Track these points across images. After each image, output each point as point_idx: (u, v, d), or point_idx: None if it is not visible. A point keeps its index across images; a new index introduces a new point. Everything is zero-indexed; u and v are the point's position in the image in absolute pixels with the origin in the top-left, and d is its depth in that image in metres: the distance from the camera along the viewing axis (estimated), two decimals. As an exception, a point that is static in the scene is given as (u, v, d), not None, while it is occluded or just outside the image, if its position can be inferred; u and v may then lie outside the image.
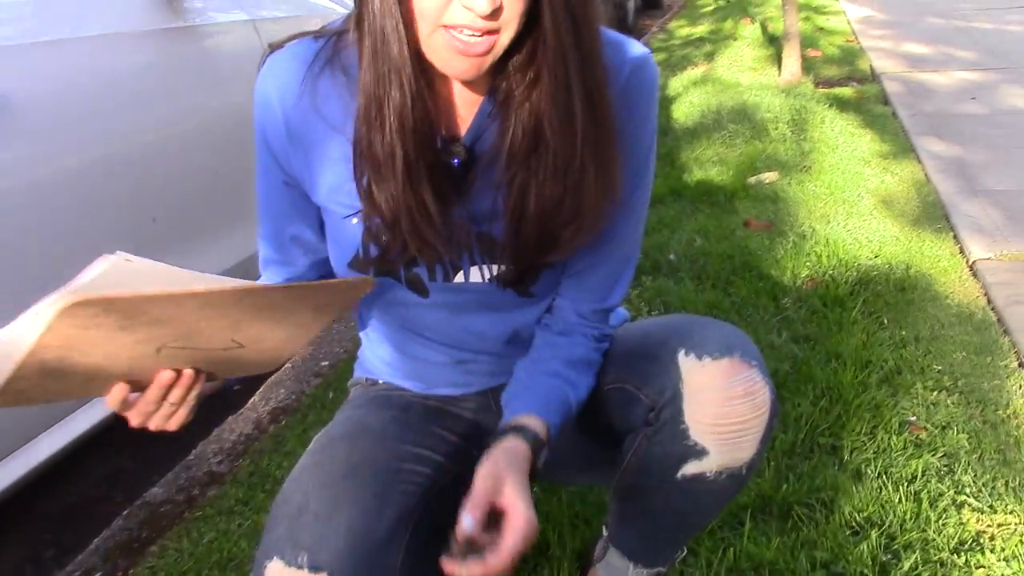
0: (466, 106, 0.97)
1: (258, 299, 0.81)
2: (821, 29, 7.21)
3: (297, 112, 0.99)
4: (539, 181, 0.95)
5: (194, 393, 0.90)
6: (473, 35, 0.83)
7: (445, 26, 0.84)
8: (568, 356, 1.10)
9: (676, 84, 5.34)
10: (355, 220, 1.01)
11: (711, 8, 9.54)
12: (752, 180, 3.35)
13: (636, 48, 1.00)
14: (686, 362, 1.03)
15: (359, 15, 0.89)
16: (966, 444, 1.73)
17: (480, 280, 1.06)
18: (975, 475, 1.63)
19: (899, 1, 8.57)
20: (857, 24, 7.34)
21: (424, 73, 0.89)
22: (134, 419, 0.90)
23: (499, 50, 0.86)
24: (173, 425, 0.92)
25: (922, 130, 3.91)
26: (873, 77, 5.24)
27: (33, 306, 0.69)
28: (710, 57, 6.16)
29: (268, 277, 1.15)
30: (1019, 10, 7.45)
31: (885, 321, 2.23)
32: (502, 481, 0.92)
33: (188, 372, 0.88)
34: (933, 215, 2.95)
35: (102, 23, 1.90)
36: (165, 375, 0.86)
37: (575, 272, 1.10)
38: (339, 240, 1.05)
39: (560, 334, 1.12)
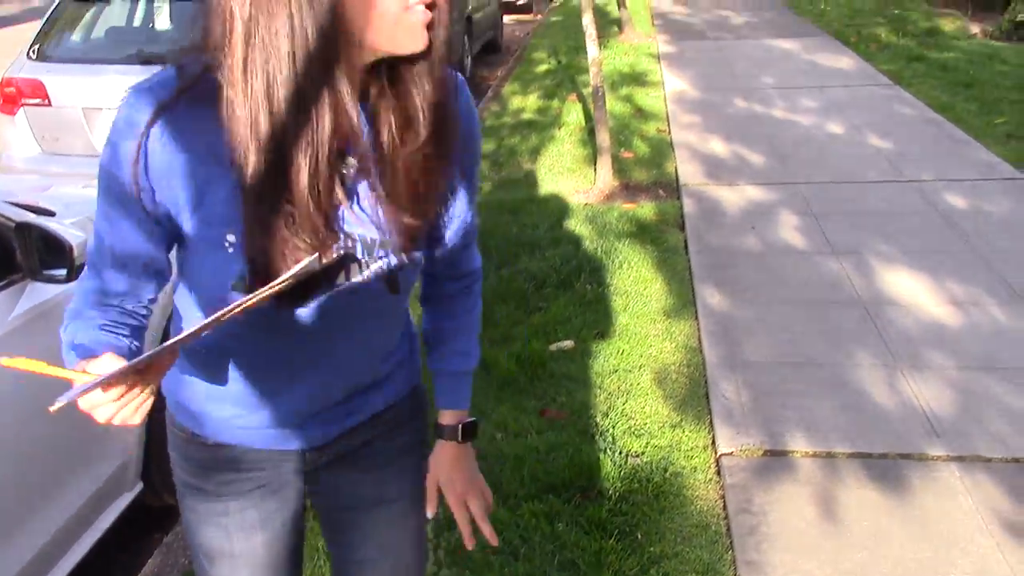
0: (351, 112, 1.06)
1: None
2: (639, 111, 7.82)
3: (162, 144, 1.05)
4: (414, 172, 1.12)
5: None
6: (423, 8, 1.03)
7: (406, 8, 1.02)
8: (458, 320, 1.47)
9: (500, 198, 5.79)
10: (230, 245, 1.08)
11: (543, 69, 10.07)
12: (553, 348, 3.84)
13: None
14: None
15: (245, 41, 0.99)
16: None
17: (361, 279, 1.18)
18: None
19: (713, 72, 9.31)
20: (672, 104, 7.98)
21: (330, 86, 1.02)
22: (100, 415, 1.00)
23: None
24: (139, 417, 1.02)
25: (704, 274, 4.48)
26: (676, 188, 5.83)
27: None
28: (534, 156, 6.65)
29: (101, 315, 1.18)
30: (810, 91, 8.26)
31: (639, 536, 2.73)
32: (445, 483, 1.48)
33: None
34: (697, 394, 3.48)
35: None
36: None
37: (449, 254, 1.35)
38: (211, 267, 1.12)
39: (448, 297, 1.46)
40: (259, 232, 1.06)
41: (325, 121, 1.02)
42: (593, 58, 5.79)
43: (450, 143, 1.16)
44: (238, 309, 0.96)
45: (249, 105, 1.00)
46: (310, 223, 1.06)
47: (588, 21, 5.72)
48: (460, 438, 1.49)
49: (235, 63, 1.00)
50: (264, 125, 1.00)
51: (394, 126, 1.11)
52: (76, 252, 2.33)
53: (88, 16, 5.51)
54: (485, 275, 4.53)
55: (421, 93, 1.10)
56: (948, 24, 11.58)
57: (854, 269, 4.46)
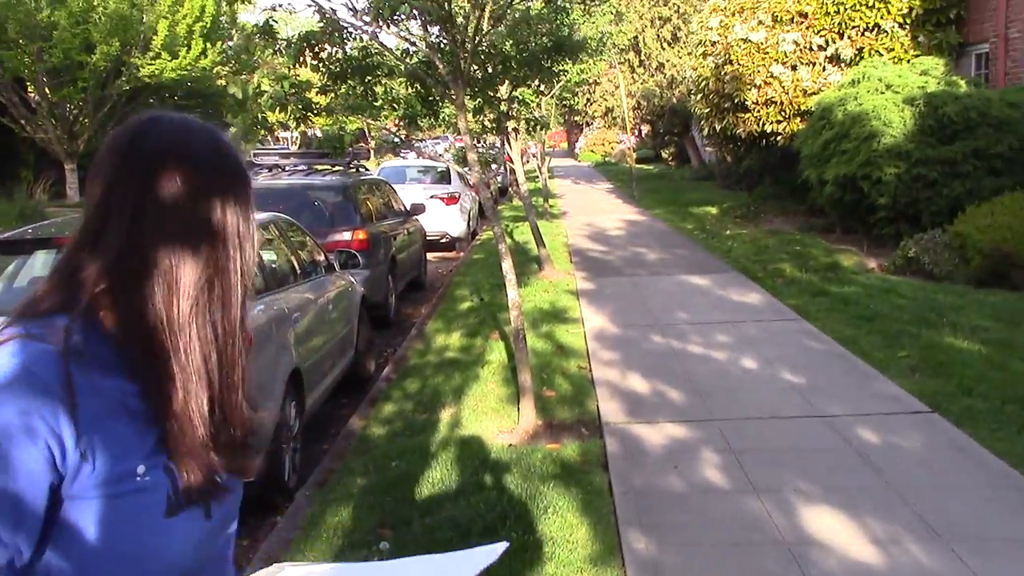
0: None
1: None
2: (560, 348, 8.02)
3: (75, 393, 1.14)
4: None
5: None
6: None
7: None
8: None
9: (423, 441, 5.78)
10: (144, 475, 1.19)
11: (466, 306, 10.34)
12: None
13: None
14: None
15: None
16: None
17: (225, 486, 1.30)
18: None
19: (630, 308, 9.67)
20: (592, 341, 8.21)
21: None
22: None
23: None
24: None
25: (629, 518, 4.47)
26: (599, 426, 5.91)
27: None
28: (458, 395, 6.71)
29: None
30: (723, 326, 8.60)
31: None
32: None
33: None
34: (627, 649, 3.40)
35: None
36: None
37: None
38: (133, 509, 1.18)
39: None
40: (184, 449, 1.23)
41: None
42: (513, 301, 5.99)
43: None
44: None
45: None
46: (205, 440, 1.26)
47: (508, 267, 5.97)
48: None
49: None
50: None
51: None
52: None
53: (11, 268, 5.55)
54: (408, 523, 4.45)
55: None
56: (847, 259, 12.33)
57: (775, 508, 4.51)
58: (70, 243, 1.30)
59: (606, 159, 49.93)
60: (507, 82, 7.34)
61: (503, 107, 8.04)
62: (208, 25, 28.97)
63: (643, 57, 25.61)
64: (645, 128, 36.85)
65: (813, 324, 8.51)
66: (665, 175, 34.19)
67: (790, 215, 17.47)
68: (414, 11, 4.61)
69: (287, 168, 11.28)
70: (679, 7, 26.47)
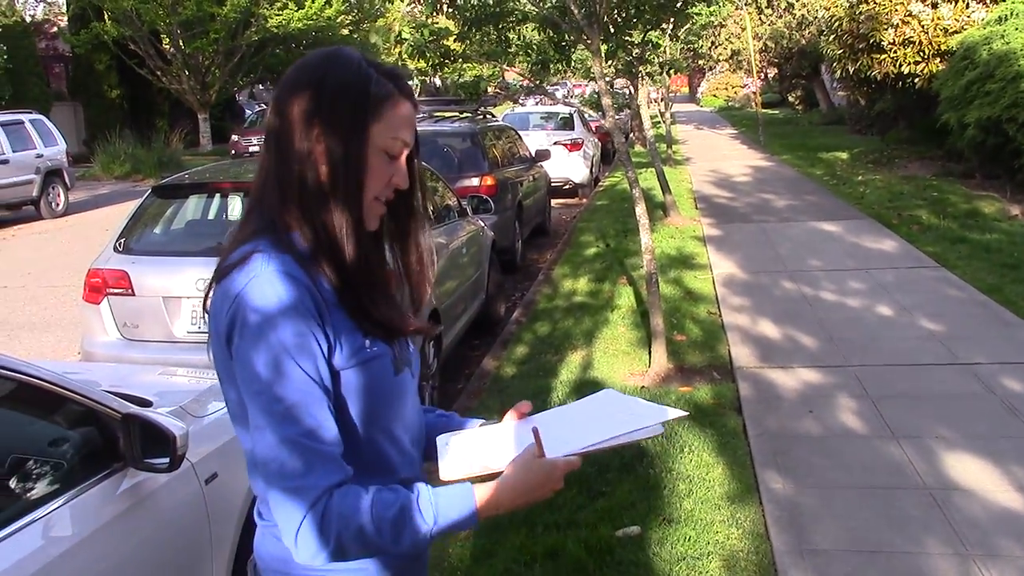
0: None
1: None
2: (689, 294, 8.01)
3: (312, 293, 1.42)
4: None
5: None
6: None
7: (376, 199, 1.51)
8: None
9: (560, 380, 5.91)
10: (370, 346, 1.50)
11: (592, 252, 10.39)
12: (619, 534, 3.85)
13: None
14: None
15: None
16: None
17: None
18: None
19: (759, 254, 9.55)
20: (721, 288, 8.17)
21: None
22: None
23: None
24: None
25: (765, 460, 4.50)
26: (731, 370, 5.92)
27: None
28: (588, 338, 6.81)
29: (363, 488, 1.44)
30: (857, 273, 8.42)
31: None
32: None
33: None
34: (767, 584, 3.47)
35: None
36: None
37: None
38: (372, 373, 1.49)
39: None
40: (378, 315, 1.51)
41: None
42: (646, 245, 6.02)
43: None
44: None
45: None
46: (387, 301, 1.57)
47: (641, 211, 5.99)
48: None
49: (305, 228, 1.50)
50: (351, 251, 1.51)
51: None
52: (179, 443, 2.46)
53: (169, 211, 5.88)
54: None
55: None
56: (987, 206, 11.83)
57: (916, 454, 4.46)
58: (255, 181, 1.55)
59: (729, 103, 48.77)
60: (640, 25, 7.28)
61: (635, 51, 7.99)
62: (333, -25, 29.45)
63: (768, -3, 24.79)
64: (772, 71, 35.75)
65: (953, 272, 8.24)
66: (792, 119, 33.22)
67: (926, 160, 16.80)
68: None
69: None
70: (810, -56, 25.47)
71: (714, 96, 51.94)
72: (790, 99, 38.30)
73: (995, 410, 4.98)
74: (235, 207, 5.74)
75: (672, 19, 7.46)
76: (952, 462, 4.36)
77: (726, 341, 6.57)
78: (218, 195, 5.63)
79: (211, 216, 5.75)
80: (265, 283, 1.39)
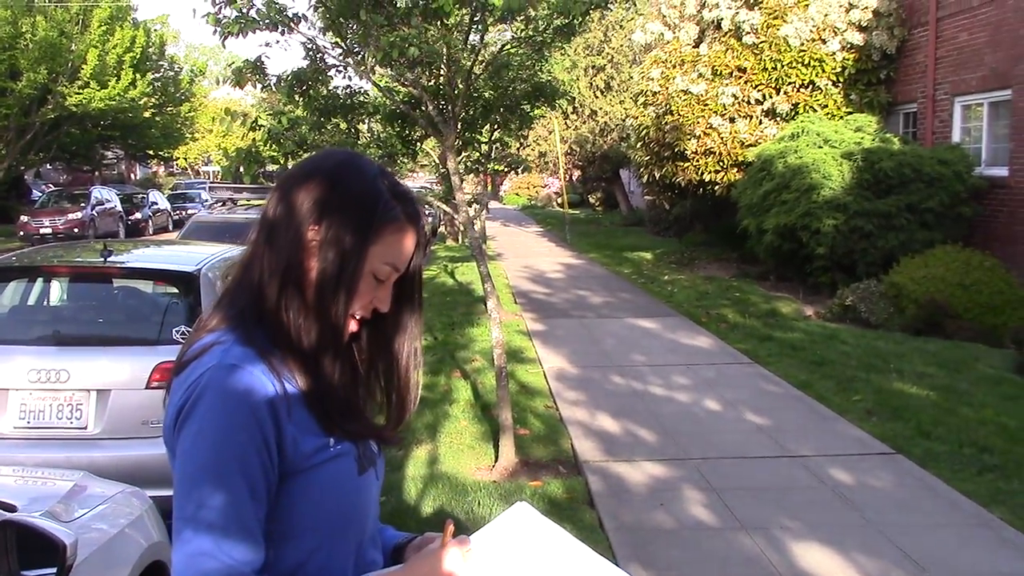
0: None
1: None
2: (524, 388, 8.09)
3: (271, 391, 1.37)
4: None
5: None
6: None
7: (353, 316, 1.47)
8: None
9: (403, 482, 5.78)
10: (335, 445, 1.44)
11: (426, 342, 10.34)
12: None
13: None
14: None
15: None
16: None
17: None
18: None
19: (583, 350, 9.81)
20: (553, 382, 8.31)
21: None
22: None
23: None
24: None
25: (627, 554, 4.55)
26: (576, 464, 6.00)
27: None
28: (432, 433, 6.73)
29: None
30: (680, 368, 8.80)
31: None
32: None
33: None
34: None
35: None
36: None
37: None
38: (335, 471, 1.44)
39: None
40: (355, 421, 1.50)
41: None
42: (497, 340, 6.07)
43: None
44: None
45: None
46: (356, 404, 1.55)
47: (492, 306, 6.05)
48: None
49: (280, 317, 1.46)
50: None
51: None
52: (69, 551, 2.23)
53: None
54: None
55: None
56: (784, 306, 12.72)
57: (767, 545, 4.65)
58: (237, 266, 1.51)
59: (532, 202, 50.44)
60: (488, 125, 7.49)
61: (484, 148, 8.19)
62: (138, 56, 28.61)
63: (577, 104, 26.05)
64: (576, 173, 37.41)
65: (767, 368, 8.76)
66: (593, 219, 34.72)
67: (723, 262, 17.93)
68: (422, 56, 4.70)
69: (237, 202, 11.21)
70: (612, 56, 27.09)
71: (516, 195, 53.59)
72: (591, 200, 40.07)
73: (829, 500, 5.28)
74: (66, 292, 5.38)
75: (519, 119, 7.72)
76: (800, 551, 4.57)
77: (568, 435, 6.66)
78: (52, 279, 5.24)
79: (39, 302, 5.35)
80: (221, 378, 1.36)
